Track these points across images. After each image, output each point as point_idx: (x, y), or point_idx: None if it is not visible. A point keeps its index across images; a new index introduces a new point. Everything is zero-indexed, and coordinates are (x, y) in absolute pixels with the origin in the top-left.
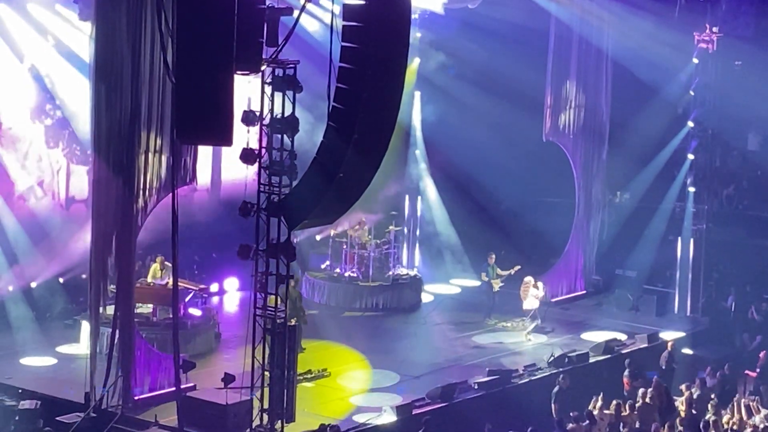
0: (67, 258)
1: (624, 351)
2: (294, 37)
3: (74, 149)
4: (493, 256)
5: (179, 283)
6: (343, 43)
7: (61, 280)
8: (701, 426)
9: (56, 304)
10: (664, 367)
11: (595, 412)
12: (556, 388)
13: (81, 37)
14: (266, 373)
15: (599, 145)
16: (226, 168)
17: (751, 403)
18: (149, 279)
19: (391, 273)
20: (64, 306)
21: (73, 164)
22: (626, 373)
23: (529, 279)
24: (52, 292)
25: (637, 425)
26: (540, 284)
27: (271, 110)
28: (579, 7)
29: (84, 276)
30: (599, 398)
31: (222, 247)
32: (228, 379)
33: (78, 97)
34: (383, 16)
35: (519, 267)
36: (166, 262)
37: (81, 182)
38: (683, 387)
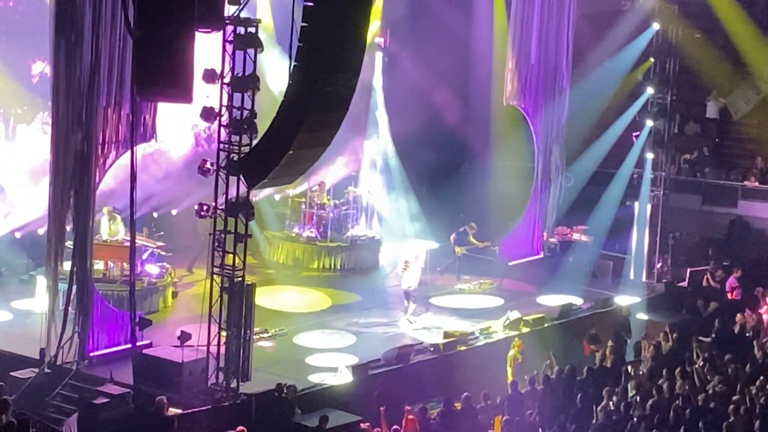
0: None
1: (580, 315)
2: None
3: None
4: (474, 226)
5: (137, 240)
6: None
7: (18, 235)
8: (654, 390)
9: (12, 260)
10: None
11: (551, 375)
12: (511, 352)
13: None
14: (223, 331)
15: (559, 110)
16: None
17: (703, 369)
18: (104, 235)
19: (349, 234)
20: (21, 262)
21: None
22: (587, 335)
23: (408, 257)
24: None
25: (591, 389)
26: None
27: (232, 68)
28: None
29: (41, 231)
30: (552, 361)
31: None
32: (184, 337)
33: None
34: None
35: (488, 243)
36: (114, 213)
37: None
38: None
